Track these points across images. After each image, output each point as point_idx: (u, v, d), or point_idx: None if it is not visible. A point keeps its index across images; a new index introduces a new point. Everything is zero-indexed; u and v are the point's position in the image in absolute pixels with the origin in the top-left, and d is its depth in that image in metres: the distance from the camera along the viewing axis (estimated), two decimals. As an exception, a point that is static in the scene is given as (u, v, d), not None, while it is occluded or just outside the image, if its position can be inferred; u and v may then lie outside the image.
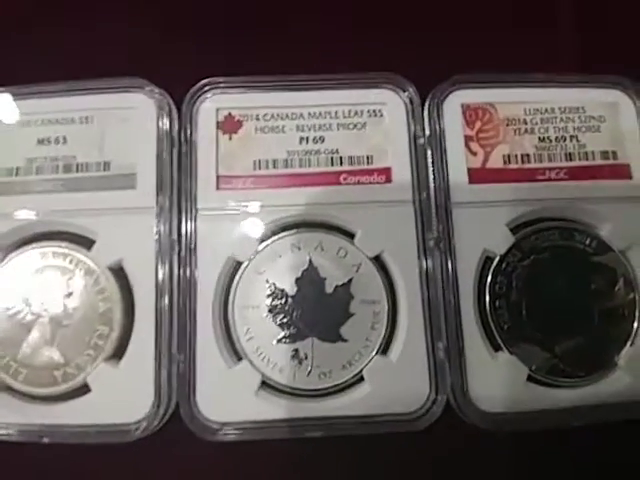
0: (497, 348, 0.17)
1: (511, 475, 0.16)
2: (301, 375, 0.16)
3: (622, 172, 0.18)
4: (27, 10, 0.19)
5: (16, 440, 0.16)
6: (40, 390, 0.16)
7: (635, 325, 0.17)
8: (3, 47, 0.19)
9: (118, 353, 0.16)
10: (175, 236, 0.17)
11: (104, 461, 0.16)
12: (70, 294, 0.17)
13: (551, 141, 0.18)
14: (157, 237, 0.17)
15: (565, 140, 0.18)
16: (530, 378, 0.16)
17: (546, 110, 0.18)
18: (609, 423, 0.16)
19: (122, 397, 0.16)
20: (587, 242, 0.18)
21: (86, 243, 0.17)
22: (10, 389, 0.16)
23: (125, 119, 0.18)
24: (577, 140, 0.18)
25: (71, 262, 0.17)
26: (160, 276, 0.16)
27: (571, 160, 0.18)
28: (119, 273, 0.17)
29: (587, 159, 0.18)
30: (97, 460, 0.16)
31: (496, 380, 0.16)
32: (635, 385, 0.17)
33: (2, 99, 0.18)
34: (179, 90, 0.18)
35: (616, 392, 0.17)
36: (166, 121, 0.18)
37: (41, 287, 0.17)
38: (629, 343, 0.17)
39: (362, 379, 0.16)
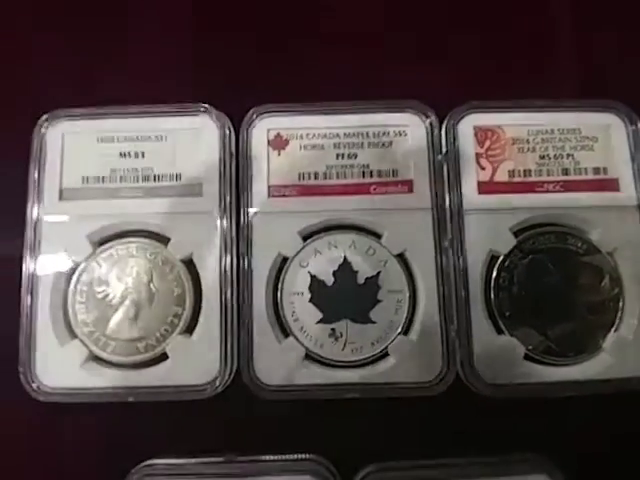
0: (500, 331, 0.20)
1: (510, 435, 0.19)
2: (337, 350, 0.19)
3: (611, 185, 0.21)
4: (111, 43, 0.22)
5: (105, 400, 0.19)
6: (125, 359, 0.19)
7: (619, 315, 0.20)
8: (96, 73, 0.22)
9: (189, 328, 0.20)
10: (234, 234, 0.20)
11: (178, 417, 0.19)
12: (151, 281, 0.20)
13: (550, 158, 0.21)
14: (220, 235, 0.20)
15: (562, 158, 0.21)
16: (527, 357, 0.19)
17: (546, 131, 0.21)
18: (594, 395, 0.19)
19: (194, 364, 0.19)
20: (579, 244, 0.20)
21: (163, 240, 0.20)
22: (99, 359, 0.20)
23: (193, 138, 0.21)
24: (573, 158, 0.21)
25: (151, 255, 0.20)
26: (223, 267, 0.20)
27: (567, 175, 0.21)
28: (190, 264, 0.20)
29: (581, 174, 0.21)
30: (172, 416, 0.19)
31: (498, 357, 0.19)
32: (617, 366, 0.19)
33: (92, 119, 0.21)
34: (238, 114, 0.21)
35: (600, 371, 0.19)
36: (227, 140, 0.21)
37: (127, 274, 0.20)
38: (613, 330, 0.20)
39: (387, 354, 0.19)
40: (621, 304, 0.20)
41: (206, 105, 0.21)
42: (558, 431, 0.19)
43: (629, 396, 0.19)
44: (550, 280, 0.20)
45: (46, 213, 0.20)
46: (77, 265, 0.20)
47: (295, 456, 0.18)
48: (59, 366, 0.19)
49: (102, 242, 0.20)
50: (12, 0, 0.23)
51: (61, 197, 0.21)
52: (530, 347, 0.19)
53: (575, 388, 0.19)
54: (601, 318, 0.20)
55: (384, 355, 0.19)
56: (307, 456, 0.18)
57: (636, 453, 0.19)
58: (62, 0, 0.23)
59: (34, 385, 0.19)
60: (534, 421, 0.19)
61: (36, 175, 0.20)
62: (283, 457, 0.18)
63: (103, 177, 0.21)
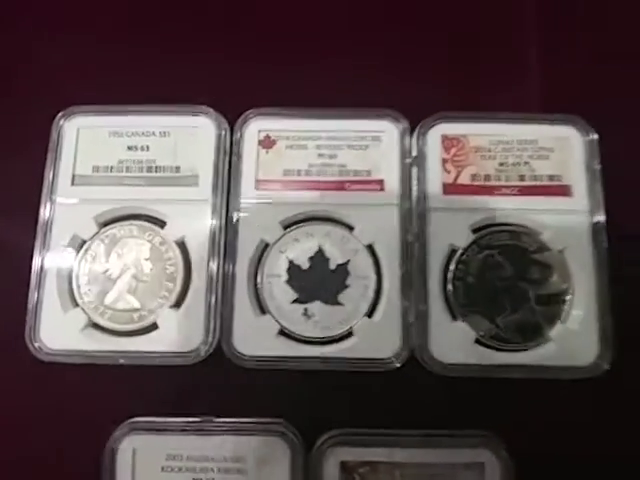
0: (454, 317, 0.21)
1: (459, 412, 0.21)
2: (308, 327, 0.21)
3: (564, 191, 0.23)
4: (122, 47, 0.25)
5: (100, 362, 0.21)
6: (120, 326, 0.22)
7: (565, 308, 0.21)
8: (108, 74, 0.24)
9: (179, 302, 0.22)
10: (224, 222, 0.22)
11: (164, 380, 0.21)
12: (147, 258, 0.22)
13: (508, 165, 0.23)
14: (211, 222, 0.22)
15: (520, 165, 0.23)
16: (478, 341, 0.21)
17: (507, 142, 0.23)
18: (540, 380, 0.20)
19: (180, 334, 0.21)
20: (531, 243, 0.22)
21: (160, 223, 0.23)
22: (97, 325, 0.22)
23: (192, 135, 0.23)
24: (529, 165, 0.23)
25: (149, 236, 0.22)
26: (211, 249, 0.22)
27: (523, 180, 0.23)
28: (182, 246, 0.22)
29: (536, 180, 0.23)
30: (159, 379, 0.21)
31: (452, 341, 0.21)
32: (561, 354, 0.21)
33: (104, 116, 0.24)
34: (233, 115, 0.23)
35: (546, 358, 0.21)
36: (222, 138, 0.23)
37: (127, 253, 0.22)
38: (559, 321, 0.21)
39: (352, 333, 0.21)
40: (569, 298, 0.21)
41: (205, 107, 0.23)
42: (504, 411, 0.21)
43: (573, 383, 0.20)
44: (502, 273, 0.22)
45: (59, 196, 0.23)
46: (83, 242, 0.22)
47: (265, 419, 0.20)
48: (61, 330, 0.21)
49: (106, 223, 0.23)
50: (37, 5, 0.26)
51: (73, 182, 0.23)
52: (481, 333, 0.21)
53: (521, 372, 0.21)
54: (549, 310, 0.21)
55: (349, 334, 0.21)
56: (275, 420, 0.20)
57: (574, 436, 0.20)
58: (83, 8, 0.26)
59: (36, 345, 0.21)
60: (482, 400, 0.21)
61: (53, 163, 0.23)
62: (254, 420, 0.20)
63: (111, 167, 0.23)
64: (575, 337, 0.21)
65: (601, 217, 0.22)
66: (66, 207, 0.22)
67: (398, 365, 0.20)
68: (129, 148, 0.23)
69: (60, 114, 0.23)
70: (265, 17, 0.25)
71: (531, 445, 0.20)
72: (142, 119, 0.23)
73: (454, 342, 0.21)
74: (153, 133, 0.23)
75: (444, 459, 0.20)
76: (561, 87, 0.24)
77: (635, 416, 0.21)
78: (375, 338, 0.21)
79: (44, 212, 0.22)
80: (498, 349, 0.21)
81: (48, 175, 0.23)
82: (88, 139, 0.23)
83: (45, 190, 0.22)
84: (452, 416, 0.21)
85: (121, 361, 0.21)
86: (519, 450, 0.20)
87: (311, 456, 0.20)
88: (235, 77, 0.24)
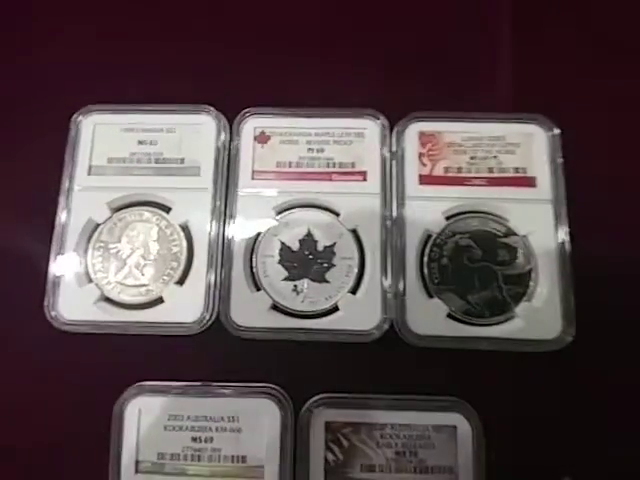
0: (430, 295, 0.23)
1: (433, 380, 0.22)
2: (297, 302, 0.23)
3: (529, 182, 0.25)
4: (135, 50, 0.28)
5: (110, 332, 0.23)
6: (130, 299, 0.24)
7: (530, 286, 0.23)
8: (122, 77, 0.27)
9: (182, 279, 0.24)
10: (223, 208, 0.24)
11: (168, 348, 0.23)
12: (155, 240, 0.24)
13: (478, 159, 0.25)
14: (211, 208, 0.24)
15: (489, 159, 0.25)
16: (450, 316, 0.23)
17: (477, 138, 0.25)
18: (508, 352, 0.22)
19: (184, 307, 0.23)
20: (498, 228, 0.24)
21: (166, 209, 0.25)
22: (108, 299, 0.24)
23: (196, 131, 0.26)
24: (497, 159, 0.25)
25: (157, 219, 0.25)
26: (211, 233, 0.24)
27: (492, 172, 0.25)
28: (186, 229, 0.25)
29: (503, 172, 0.25)
30: (163, 347, 0.23)
31: (427, 316, 0.23)
32: (527, 329, 0.23)
33: (117, 114, 0.26)
34: (232, 113, 0.26)
35: (513, 332, 0.23)
36: (222, 133, 0.25)
37: (136, 235, 0.25)
38: (525, 299, 0.23)
39: (337, 309, 0.23)
40: (533, 276, 0.23)
41: (207, 106, 0.26)
42: (475, 380, 0.23)
43: (537, 355, 0.22)
44: (473, 255, 0.24)
45: (77, 184, 0.25)
46: (98, 225, 0.25)
47: (258, 384, 0.22)
48: (76, 303, 0.23)
49: (118, 209, 0.25)
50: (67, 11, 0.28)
51: (89, 172, 0.25)
52: (453, 309, 0.23)
53: (490, 344, 0.23)
54: (515, 288, 0.23)
55: (335, 309, 0.23)
56: (268, 385, 0.22)
57: (539, 402, 0.22)
58: (105, 16, 0.28)
59: (54, 314, 0.23)
60: (455, 370, 0.23)
61: (71, 155, 0.25)
62: (248, 385, 0.22)
63: (124, 158, 0.26)
64: (540, 313, 0.23)
65: (563, 205, 0.24)
66: (83, 194, 0.25)
67: (378, 336, 0.22)
68: (139, 142, 0.26)
69: (79, 111, 0.26)
70: (260, 27, 0.28)
71: (499, 410, 0.22)
72: (151, 117, 0.26)
73: (429, 317, 0.23)
74: (161, 129, 0.26)
75: (419, 421, 0.22)
76: (527, 87, 0.26)
77: (595, 386, 0.23)
78: (358, 312, 0.23)
79: (63, 198, 0.25)
80: (469, 323, 0.23)
81: (67, 166, 0.25)
82: (103, 134, 0.26)
83: (64, 179, 0.25)
84: (427, 384, 0.22)
85: (130, 330, 0.23)
86: (488, 415, 0.22)
87: (299, 417, 0.22)
88: (234, 80, 0.27)
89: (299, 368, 0.23)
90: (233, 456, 0.21)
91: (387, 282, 0.23)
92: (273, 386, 0.22)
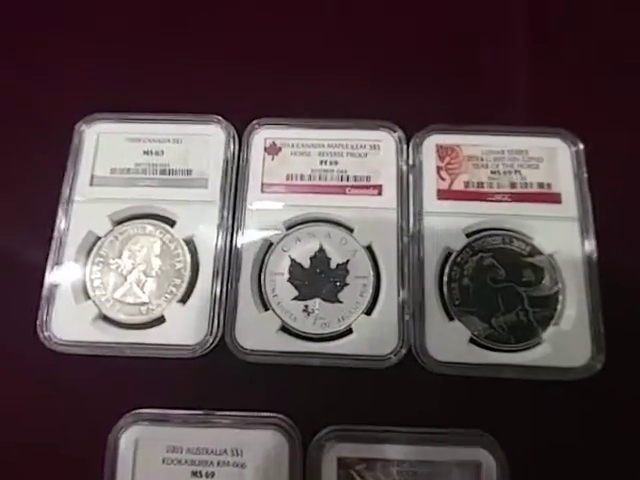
0: (450, 317, 0.22)
1: (454, 410, 0.21)
2: (308, 323, 0.22)
3: (554, 198, 0.23)
4: (141, 59, 0.27)
5: (107, 354, 0.21)
6: (129, 319, 0.22)
7: (558, 309, 0.22)
8: (127, 85, 0.26)
9: (185, 297, 0.22)
10: (230, 222, 0.23)
11: (168, 372, 0.21)
12: (157, 255, 0.23)
13: (500, 174, 0.24)
14: (218, 222, 0.23)
15: (511, 173, 0.24)
16: (472, 341, 0.21)
17: (498, 152, 0.24)
18: (534, 381, 0.21)
19: (186, 327, 0.22)
20: (522, 247, 0.23)
21: (170, 222, 0.24)
22: (106, 318, 0.22)
23: (204, 142, 0.25)
24: (520, 174, 0.24)
25: (160, 233, 0.23)
26: (218, 248, 0.23)
27: (514, 188, 0.24)
28: (190, 244, 0.23)
29: (526, 187, 0.24)
30: (164, 371, 0.21)
31: (447, 339, 0.21)
32: (555, 355, 0.21)
33: (122, 123, 0.25)
34: (241, 124, 0.25)
35: (539, 359, 0.21)
36: (231, 145, 0.24)
37: (138, 249, 0.23)
38: (552, 323, 0.22)
39: (351, 331, 0.22)
40: (561, 299, 0.22)
41: (216, 116, 0.25)
42: (499, 411, 0.21)
43: (566, 384, 0.21)
44: (496, 276, 0.22)
45: (77, 194, 0.24)
46: (98, 239, 0.23)
47: (264, 414, 0.20)
48: (72, 321, 0.22)
49: (120, 222, 0.24)
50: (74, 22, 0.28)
51: (91, 183, 0.24)
52: (475, 333, 0.21)
53: (515, 372, 0.21)
54: (542, 312, 0.22)
55: (348, 331, 0.22)
56: (275, 414, 0.20)
57: (568, 436, 0.21)
58: (106, 26, 0.28)
59: (47, 334, 0.21)
60: (477, 400, 0.21)
61: (73, 164, 0.24)
62: (254, 414, 0.20)
63: (128, 169, 0.25)
64: (568, 338, 0.21)
65: (589, 223, 0.23)
66: (83, 205, 0.24)
67: (396, 362, 0.20)
68: (145, 152, 0.25)
69: (82, 120, 0.25)
70: (270, 38, 0.27)
71: (525, 445, 0.20)
72: (157, 126, 0.25)
73: (450, 341, 0.21)
74: (167, 140, 0.25)
75: (440, 457, 0.20)
76: (547, 101, 0.25)
77: (627, 416, 0.21)
78: (373, 335, 0.21)
79: (62, 209, 0.23)
80: (492, 349, 0.21)
81: (68, 175, 0.24)
82: (107, 144, 0.25)
83: (64, 189, 0.24)
84: (447, 414, 0.21)
85: (127, 352, 0.21)
86: (513, 450, 0.20)
87: (309, 451, 0.20)
88: (243, 89, 0.26)
89: (309, 396, 0.21)
90: (236, 494, 0.19)
91: (404, 303, 0.21)
92: (280, 416, 0.20)
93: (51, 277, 0.22)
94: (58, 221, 0.23)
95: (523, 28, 0.27)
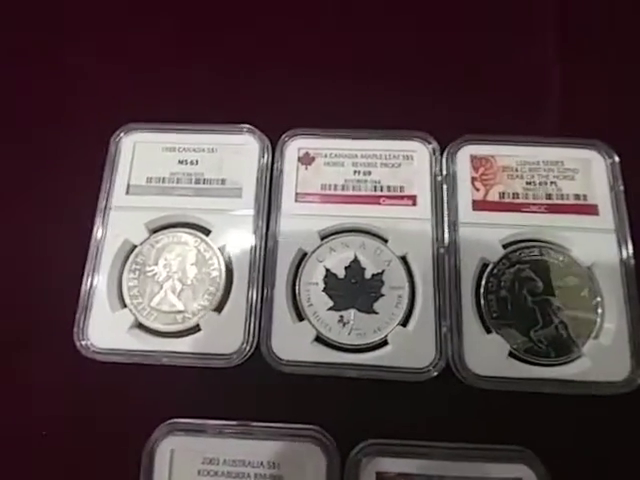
0: (488, 330, 0.21)
1: (493, 424, 0.20)
2: (343, 334, 0.21)
3: (590, 210, 0.23)
4: (178, 72, 0.27)
5: (143, 362, 0.21)
6: (165, 327, 0.22)
7: (598, 322, 0.21)
8: (164, 95, 0.26)
9: (221, 306, 0.22)
10: (265, 231, 0.23)
11: (203, 381, 0.21)
12: (193, 263, 0.23)
13: (535, 185, 0.23)
14: (253, 231, 0.23)
15: (546, 184, 0.23)
16: (512, 354, 0.21)
17: (533, 163, 0.24)
18: (574, 395, 0.20)
19: (222, 336, 0.21)
20: (560, 258, 0.22)
21: (205, 231, 0.24)
22: (142, 326, 0.22)
23: (238, 151, 0.25)
24: (556, 185, 0.23)
25: (196, 242, 0.23)
26: (252, 257, 0.22)
27: (550, 199, 0.23)
28: (224, 253, 0.23)
29: (562, 199, 0.23)
30: (199, 380, 0.21)
31: (486, 353, 0.21)
32: (595, 369, 0.21)
33: (159, 132, 0.25)
34: (275, 134, 0.25)
35: (579, 373, 0.21)
36: (265, 154, 0.24)
37: (174, 258, 0.23)
38: (592, 336, 0.21)
39: (387, 342, 0.21)
40: (600, 312, 0.21)
41: (250, 126, 0.25)
42: (540, 426, 0.20)
43: (606, 399, 0.20)
44: (533, 288, 0.22)
45: (114, 203, 0.24)
46: (134, 247, 0.23)
47: (301, 426, 0.20)
48: (108, 329, 0.22)
49: (156, 230, 0.24)
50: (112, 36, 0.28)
51: (128, 192, 0.24)
52: (514, 346, 0.21)
53: (555, 386, 0.20)
54: (581, 325, 0.21)
55: (384, 342, 0.21)
56: (312, 427, 0.20)
57: (609, 452, 0.20)
58: (147, 42, 0.28)
59: (83, 343, 0.21)
60: (517, 414, 0.20)
61: (110, 173, 0.24)
62: (290, 425, 0.20)
63: (164, 178, 0.25)
64: (608, 352, 0.21)
65: (627, 235, 0.22)
66: (120, 213, 0.24)
67: (435, 374, 0.20)
68: (180, 162, 0.25)
69: (119, 130, 0.25)
70: (304, 49, 0.27)
71: (567, 460, 0.19)
72: (193, 136, 0.25)
73: (489, 355, 0.21)
74: (202, 149, 0.25)
75: (481, 473, 0.19)
76: (581, 111, 0.25)
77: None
78: (409, 347, 0.21)
79: (99, 218, 0.23)
80: (532, 363, 0.21)
81: (105, 184, 0.24)
82: (143, 153, 0.25)
83: (101, 198, 0.24)
84: (486, 429, 0.20)
85: (164, 360, 0.21)
86: (555, 465, 0.19)
87: (347, 466, 0.19)
88: (277, 99, 0.26)
89: (345, 408, 0.20)
90: (273, 508, 0.19)
91: (441, 314, 0.21)
92: (318, 429, 0.20)
93: (87, 285, 0.22)
94: (95, 229, 0.23)
95: (557, 39, 0.27)
